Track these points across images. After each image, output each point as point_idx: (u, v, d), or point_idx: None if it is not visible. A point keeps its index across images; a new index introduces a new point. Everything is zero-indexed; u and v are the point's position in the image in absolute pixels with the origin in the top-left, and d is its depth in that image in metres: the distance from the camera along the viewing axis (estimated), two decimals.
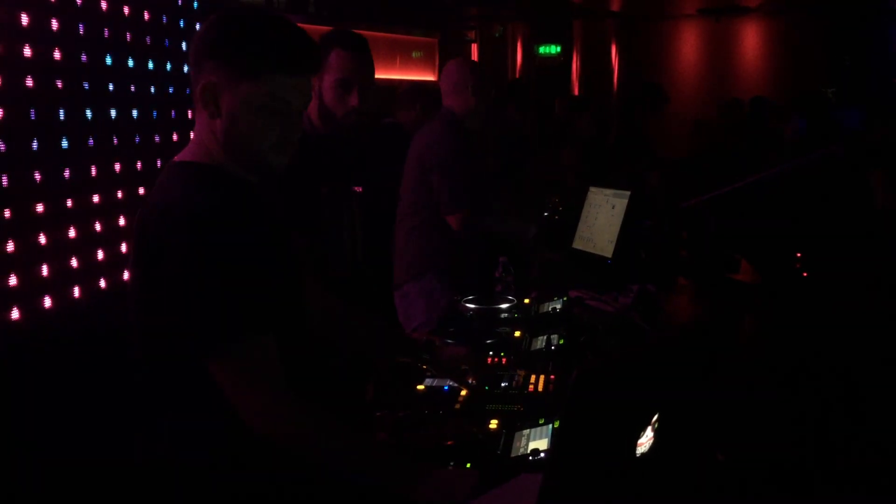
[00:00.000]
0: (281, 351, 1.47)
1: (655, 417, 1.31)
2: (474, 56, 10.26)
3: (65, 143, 2.42)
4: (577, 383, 1.10)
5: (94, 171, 2.57)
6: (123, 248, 2.69)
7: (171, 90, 3.09)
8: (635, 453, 1.28)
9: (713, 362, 1.67)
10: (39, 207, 2.31)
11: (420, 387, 2.06)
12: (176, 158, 1.59)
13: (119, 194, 2.70)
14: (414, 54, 9.00)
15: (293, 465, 1.45)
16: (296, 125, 1.57)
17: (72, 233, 2.46)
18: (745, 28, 11.04)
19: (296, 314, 1.65)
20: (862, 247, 3.72)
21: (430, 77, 9.19)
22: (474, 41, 10.24)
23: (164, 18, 3.02)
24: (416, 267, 3.35)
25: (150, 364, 1.53)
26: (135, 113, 2.83)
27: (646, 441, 1.29)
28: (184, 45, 3.12)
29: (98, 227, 2.59)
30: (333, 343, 2.01)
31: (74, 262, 2.47)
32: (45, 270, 2.33)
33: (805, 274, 4.19)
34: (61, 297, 2.40)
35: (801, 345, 3.13)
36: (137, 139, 2.85)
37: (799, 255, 4.27)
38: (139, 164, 2.84)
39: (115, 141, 2.70)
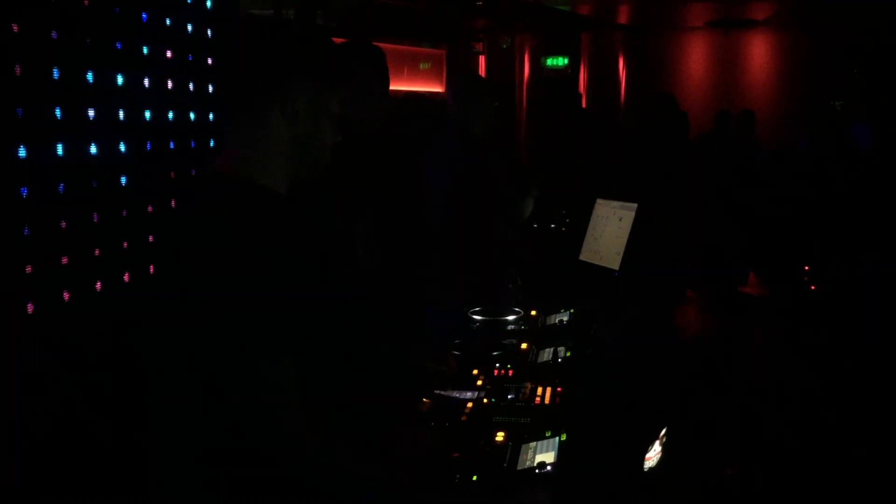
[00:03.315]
0: (308, 368, 1.47)
1: (664, 432, 1.30)
2: (482, 67, 10.30)
3: (93, 149, 2.33)
4: (585, 396, 1.10)
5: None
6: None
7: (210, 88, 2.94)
8: (643, 467, 1.27)
9: (722, 375, 1.67)
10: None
11: (426, 399, 2.05)
12: (213, 170, 1.59)
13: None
14: (422, 66, 9.03)
15: (301, 489, 1.45)
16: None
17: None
18: (753, 41, 11.05)
19: (327, 332, 1.65)
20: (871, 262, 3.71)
21: (437, 88, 9.21)
22: (482, 53, 10.28)
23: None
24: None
25: (165, 382, 1.52)
26: (171, 115, 2.71)
27: (654, 455, 1.28)
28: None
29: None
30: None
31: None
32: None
33: (813, 287, 4.18)
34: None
35: (812, 357, 3.12)
36: (172, 145, 2.74)
37: (807, 268, 4.26)
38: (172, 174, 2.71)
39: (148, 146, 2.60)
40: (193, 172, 2.83)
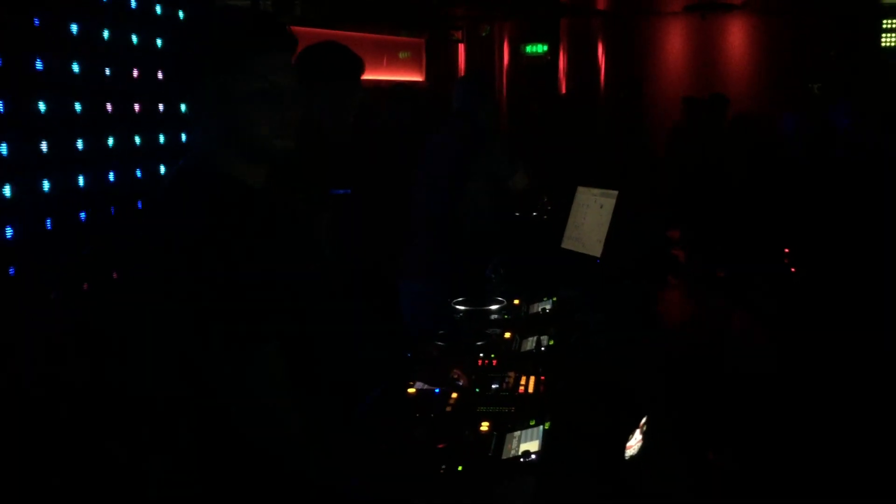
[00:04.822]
0: (291, 353, 1.47)
1: (644, 420, 1.31)
2: (461, 56, 10.29)
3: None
4: (569, 384, 1.11)
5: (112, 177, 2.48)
6: None
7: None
8: (624, 456, 1.28)
9: (703, 360, 1.68)
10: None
11: (411, 389, 2.06)
12: (180, 166, 1.59)
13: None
14: (401, 55, 9.00)
15: (285, 473, 1.46)
16: (292, 105, 1.58)
17: None
18: (731, 25, 11.08)
19: (306, 315, 1.64)
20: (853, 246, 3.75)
21: (417, 77, 9.19)
22: (461, 41, 10.25)
23: None
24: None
25: (155, 375, 1.53)
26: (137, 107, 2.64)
27: (635, 444, 1.29)
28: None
29: None
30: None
31: None
32: None
33: (793, 269, 4.22)
34: None
35: (790, 341, 3.15)
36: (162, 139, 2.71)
37: (787, 250, 4.30)
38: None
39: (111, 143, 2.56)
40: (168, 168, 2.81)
